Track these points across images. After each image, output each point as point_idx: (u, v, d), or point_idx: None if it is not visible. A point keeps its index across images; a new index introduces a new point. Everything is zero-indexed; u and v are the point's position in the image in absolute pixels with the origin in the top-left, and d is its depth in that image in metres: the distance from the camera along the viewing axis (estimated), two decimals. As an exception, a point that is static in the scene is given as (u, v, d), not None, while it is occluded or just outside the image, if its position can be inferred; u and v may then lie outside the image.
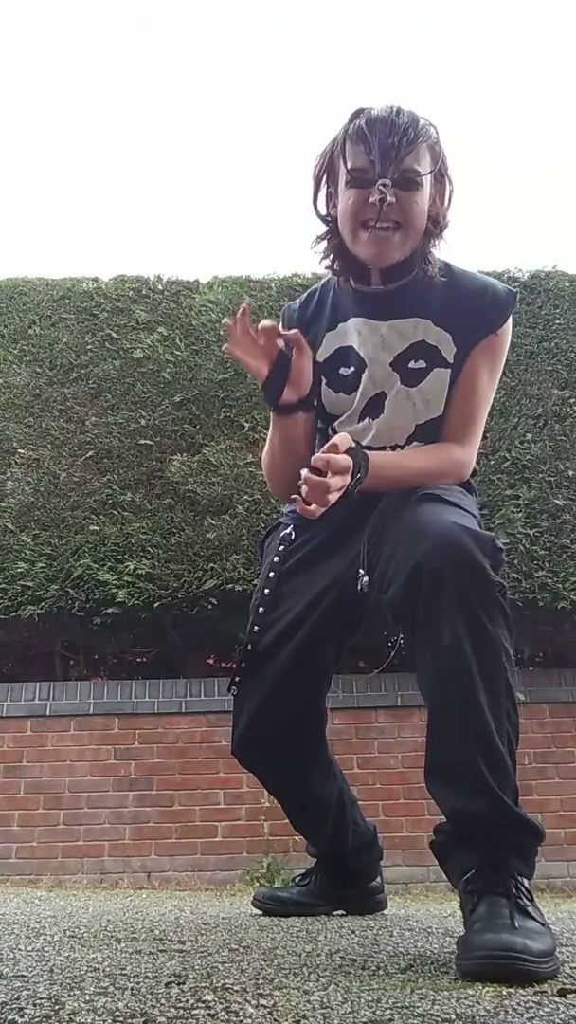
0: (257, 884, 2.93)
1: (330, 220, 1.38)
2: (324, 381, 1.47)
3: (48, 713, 3.53)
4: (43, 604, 3.61)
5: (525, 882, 1.08)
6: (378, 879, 1.80)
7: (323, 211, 1.38)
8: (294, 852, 3.23)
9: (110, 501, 3.84)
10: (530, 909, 1.04)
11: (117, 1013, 0.76)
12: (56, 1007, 0.78)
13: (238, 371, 4.11)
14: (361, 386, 1.43)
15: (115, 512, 3.80)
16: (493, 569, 1.15)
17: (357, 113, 1.30)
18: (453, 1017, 0.76)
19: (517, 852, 1.11)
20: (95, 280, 4.51)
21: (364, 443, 1.39)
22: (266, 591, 1.48)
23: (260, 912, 1.77)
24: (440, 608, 1.13)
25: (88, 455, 3.96)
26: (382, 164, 1.26)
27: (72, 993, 0.85)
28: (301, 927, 1.51)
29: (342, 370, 1.45)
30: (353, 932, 1.43)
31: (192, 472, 3.86)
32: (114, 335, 4.27)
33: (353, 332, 1.43)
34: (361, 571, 1.34)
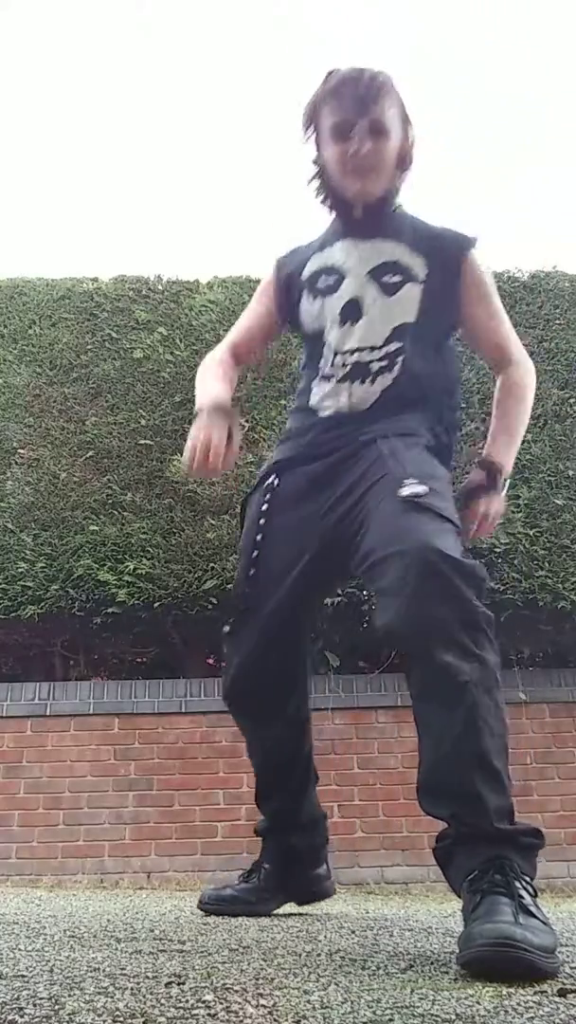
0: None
1: (318, 166, 1.59)
2: (304, 292, 1.65)
3: (48, 713, 3.53)
4: (43, 604, 3.61)
5: (528, 880, 1.09)
6: (324, 866, 1.79)
7: (314, 156, 1.60)
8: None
9: (110, 501, 3.83)
10: (532, 908, 1.04)
11: (117, 1013, 0.76)
12: (56, 1007, 0.78)
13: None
14: (340, 289, 1.59)
15: (115, 512, 3.80)
16: (478, 598, 1.21)
17: (329, 74, 1.54)
18: (453, 1017, 0.76)
19: (519, 852, 1.11)
20: (95, 280, 4.50)
21: (348, 345, 1.57)
22: (258, 537, 1.60)
23: (204, 914, 1.73)
24: (428, 640, 1.19)
25: (88, 455, 3.96)
26: (355, 113, 1.49)
27: (72, 993, 0.85)
28: (301, 927, 1.51)
29: (323, 279, 1.63)
30: (353, 932, 1.43)
31: (192, 472, 3.85)
32: (114, 335, 4.27)
33: (339, 251, 1.63)
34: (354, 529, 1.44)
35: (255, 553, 1.59)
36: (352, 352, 1.56)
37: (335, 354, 1.59)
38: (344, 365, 1.57)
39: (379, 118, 1.50)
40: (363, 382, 1.56)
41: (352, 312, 1.57)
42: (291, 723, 1.69)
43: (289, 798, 1.73)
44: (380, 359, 1.55)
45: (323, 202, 1.63)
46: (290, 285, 1.70)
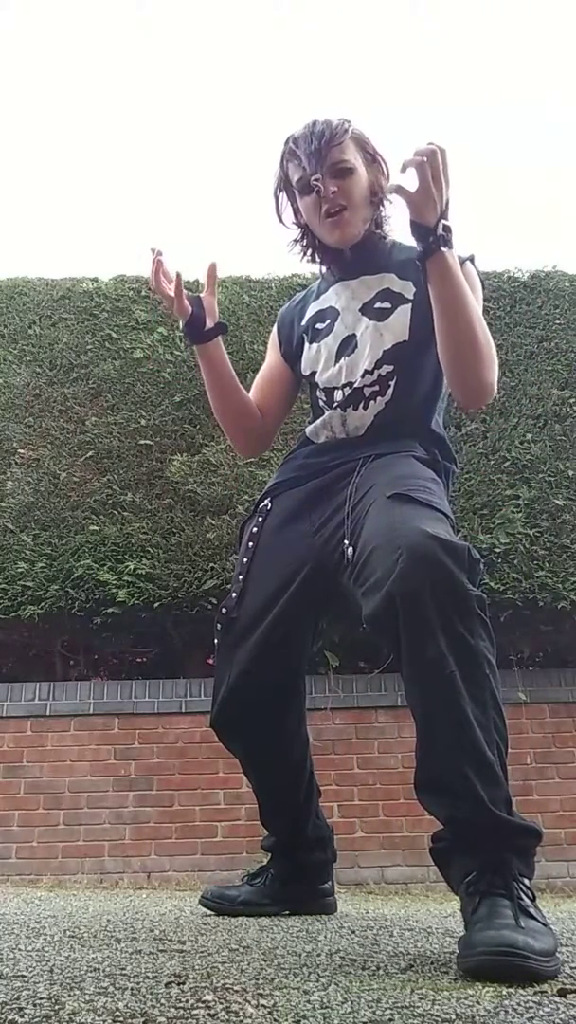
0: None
1: (300, 226, 1.66)
2: (306, 338, 1.70)
3: (48, 713, 3.53)
4: (43, 604, 3.61)
5: (526, 883, 1.09)
6: (329, 882, 1.80)
7: (289, 221, 1.67)
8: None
9: (110, 501, 3.83)
10: (532, 910, 1.04)
11: (117, 1013, 0.76)
12: (56, 1007, 0.78)
13: (238, 371, 4.10)
14: (335, 329, 1.64)
15: (115, 512, 3.80)
16: (470, 581, 1.17)
17: (286, 140, 1.59)
18: (453, 1017, 0.76)
19: (517, 853, 1.11)
20: (95, 280, 4.50)
21: (344, 380, 1.59)
22: (245, 560, 1.60)
23: (209, 911, 1.76)
24: (420, 626, 1.15)
25: (88, 455, 3.96)
26: (311, 165, 1.54)
27: (72, 993, 0.85)
28: (301, 927, 1.51)
29: (318, 324, 1.68)
30: (353, 932, 1.43)
31: (192, 472, 3.86)
32: (114, 335, 4.27)
33: (332, 295, 1.68)
34: (346, 542, 1.41)
35: (243, 576, 1.59)
36: (348, 386, 1.58)
37: (333, 390, 1.61)
38: (338, 398, 1.60)
39: (337, 160, 1.54)
40: (356, 408, 1.58)
41: (347, 348, 1.60)
42: (289, 745, 1.66)
43: (293, 819, 1.72)
44: (372, 384, 1.56)
45: (311, 260, 1.69)
46: (291, 335, 1.76)
